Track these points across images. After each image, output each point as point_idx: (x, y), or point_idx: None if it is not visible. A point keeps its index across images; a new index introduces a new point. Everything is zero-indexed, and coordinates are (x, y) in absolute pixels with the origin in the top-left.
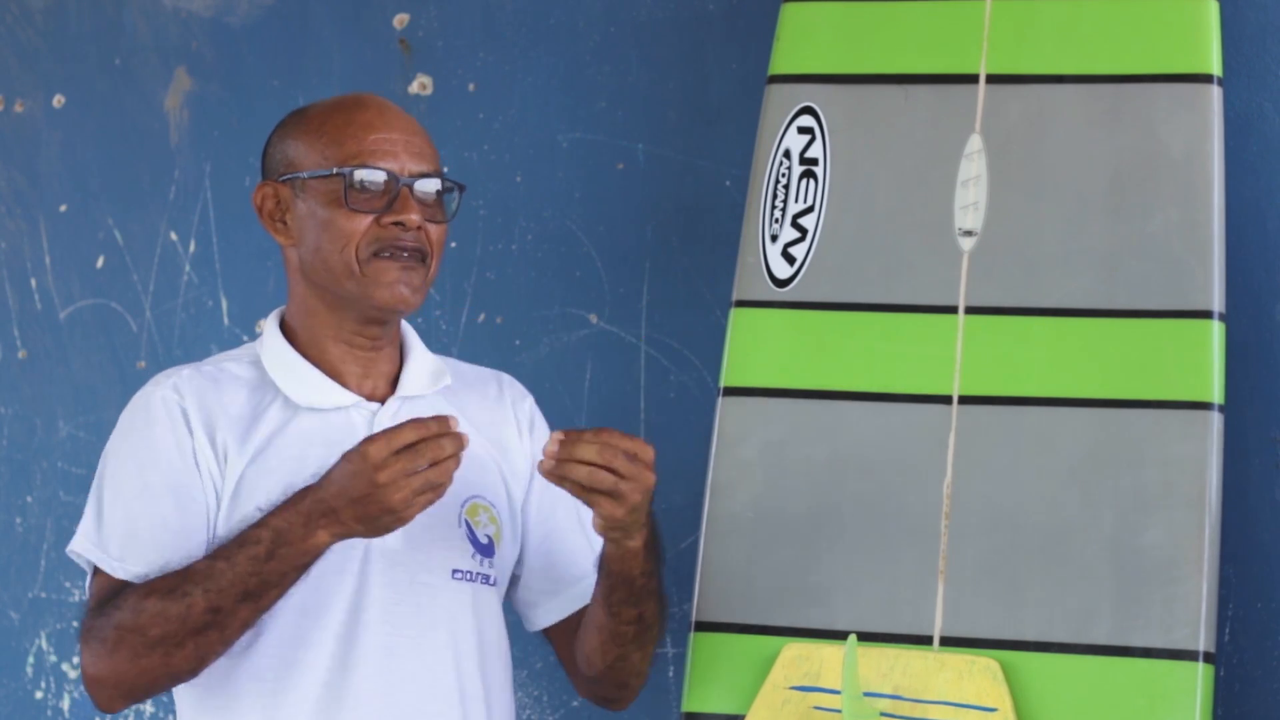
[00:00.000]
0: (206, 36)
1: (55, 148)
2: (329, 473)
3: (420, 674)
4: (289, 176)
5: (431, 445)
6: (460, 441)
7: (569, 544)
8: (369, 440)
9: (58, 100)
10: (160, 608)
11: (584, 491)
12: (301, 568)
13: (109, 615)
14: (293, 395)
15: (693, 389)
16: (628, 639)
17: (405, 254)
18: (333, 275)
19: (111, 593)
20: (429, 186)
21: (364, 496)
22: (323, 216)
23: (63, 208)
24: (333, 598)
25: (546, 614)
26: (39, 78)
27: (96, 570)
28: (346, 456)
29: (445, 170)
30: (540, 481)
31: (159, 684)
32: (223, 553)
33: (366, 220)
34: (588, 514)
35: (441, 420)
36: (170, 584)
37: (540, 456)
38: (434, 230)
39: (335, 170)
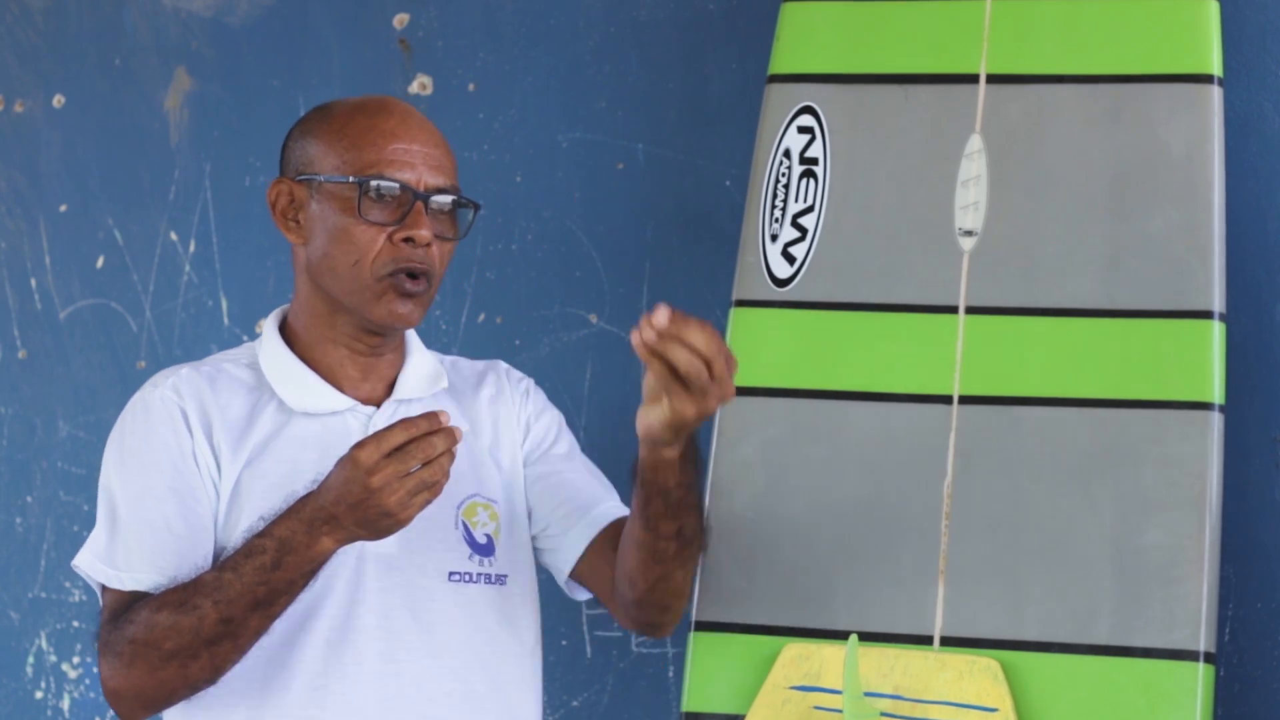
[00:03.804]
0: (206, 36)
1: (55, 148)
2: (326, 479)
3: (421, 678)
4: (305, 177)
5: (422, 444)
6: (452, 437)
7: (569, 478)
8: (359, 445)
9: (58, 100)
10: (172, 621)
11: (669, 377)
12: (309, 574)
13: (122, 629)
14: (288, 400)
15: None
16: (668, 556)
17: (413, 282)
18: (338, 283)
19: (124, 604)
20: (444, 200)
21: (360, 502)
22: (335, 223)
23: (63, 208)
24: (324, 603)
25: (571, 551)
26: (39, 78)
27: (105, 585)
28: (340, 462)
29: (459, 179)
30: (530, 433)
31: (179, 694)
32: (229, 563)
33: (379, 236)
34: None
35: (431, 417)
36: (180, 597)
37: (532, 417)
38: (441, 248)
39: (352, 178)
